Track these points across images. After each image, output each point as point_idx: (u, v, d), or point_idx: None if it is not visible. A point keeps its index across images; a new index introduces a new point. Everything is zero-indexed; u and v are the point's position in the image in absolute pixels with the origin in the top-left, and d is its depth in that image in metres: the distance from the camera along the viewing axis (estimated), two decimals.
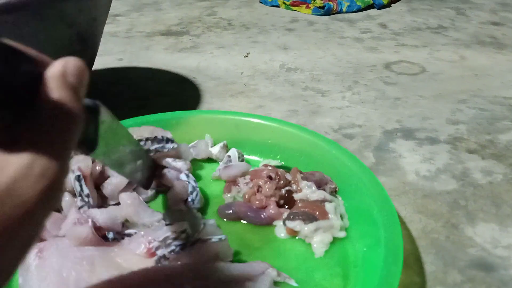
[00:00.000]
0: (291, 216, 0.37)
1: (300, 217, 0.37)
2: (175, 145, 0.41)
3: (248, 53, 0.77)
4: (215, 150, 0.45)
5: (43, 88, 0.17)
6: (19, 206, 0.15)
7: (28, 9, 0.39)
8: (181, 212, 0.36)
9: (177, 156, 0.42)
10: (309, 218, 0.37)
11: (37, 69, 0.17)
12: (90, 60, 0.53)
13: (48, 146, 0.16)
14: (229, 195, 0.41)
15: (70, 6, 0.43)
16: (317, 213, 0.37)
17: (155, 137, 0.40)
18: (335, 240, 0.36)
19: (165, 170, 0.41)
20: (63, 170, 0.17)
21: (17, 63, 0.16)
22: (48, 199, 0.16)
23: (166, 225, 0.35)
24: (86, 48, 0.50)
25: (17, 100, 0.16)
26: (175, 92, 0.63)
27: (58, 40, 0.45)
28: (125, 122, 0.45)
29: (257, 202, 0.39)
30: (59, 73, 0.17)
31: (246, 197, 0.40)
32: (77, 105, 0.18)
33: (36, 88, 0.17)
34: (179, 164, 0.41)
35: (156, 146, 0.40)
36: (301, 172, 0.41)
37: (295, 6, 1.02)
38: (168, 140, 0.41)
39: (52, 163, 0.16)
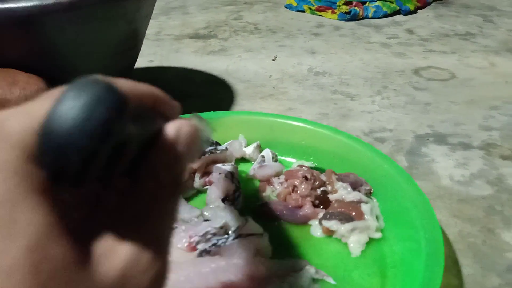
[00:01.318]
0: (328, 216, 0.37)
1: (337, 217, 0.37)
2: (227, 145, 0.43)
3: (276, 57, 0.78)
4: (248, 150, 0.46)
5: (155, 155, 0.16)
6: None
7: (97, 6, 0.41)
8: (219, 209, 0.37)
9: (225, 160, 0.43)
10: (345, 218, 0.37)
11: (156, 127, 0.16)
12: (136, 56, 0.55)
13: (156, 226, 0.15)
14: (264, 194, 0.42)
15: (132, 4, 0.45)
16: (353, 213, 0.37)
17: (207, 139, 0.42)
18: (371, 240, 0.36)
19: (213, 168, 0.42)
20: (167, 255, 0.16)
21: (144, 131, 0.15)
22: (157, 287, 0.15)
23: (205, 220, 0.36)
24: (136, 44, 0.53)
25: (131, 164, 0.15)
26: (207, 94, 0.64)
27: (118, 36, 0.47)
28: None
29: (293, 201, 0.39)
30: (172, 139, 0.16)
31: (282, 196, 0.41)
32: (181, 180, 0.17)
33: (148, 149, 0.16)
34: (228, 167, 0.42)
35: (209, 148, 0.42)
36: (335, 174, 0.42)
37: (320, 11, 1.02)
38: (216, 143, 0.42)
39: (161, 246, 0.15)
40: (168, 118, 0.17)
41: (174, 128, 0.17)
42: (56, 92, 0.13)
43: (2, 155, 0.12)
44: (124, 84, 0.15)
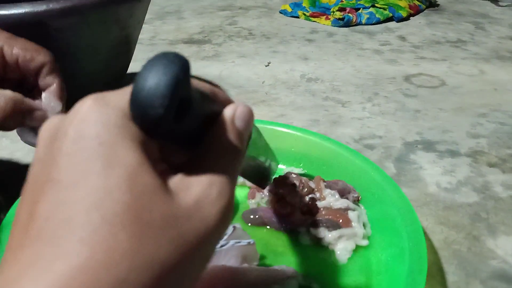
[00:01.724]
0: (315, 223, 0.38)
1: (324, 224, 0.38)
2: None
3: (269, 63, 0.78)
4: None
5: (216, 127, 0.20)
6: (203, 221, 0.17)
7: (89, 12, 0.42)
8: None
9: None
10: (333, 225, 0.38)
11: (217, 109, 0.20)
12: (128, 61, 0.56)
13: (220, 172, 0.19)
14: (253, 201, 0.42)
15: (124, 10, 0.45)
16: (341, 221, 0.38)
17: None
18: (358, 248, 0.37)
19: None
20: (234, 195, 0.19)
21: (204, 105, 0.19)
22: (225, 218, 0.18)
23: None
24: (129, 49, 0.53)
25: (200, 132, 0.19)
26: None
27: (110, 41, 0.47)
28: None
29: (282, 208, 0.40)
30: (230, 117, 0.20)
31: (271, 203, 0.41)
32: (241, 147, 0.20)
33: (210, 125, 0.20)
34: None
35: None
36: (324, 181, 0.42)
37: (314, 17, 1.03)
38: None
39: (227, 186, 0.18)
40: (225, 105, 0.21)
41: (231, 107, 0.21)
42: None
43: (107, 115, 0.16)
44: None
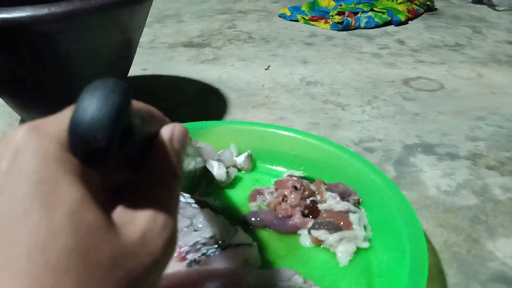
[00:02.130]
0: (316, 226, 0.38)
1: (325, 226, 0.38)
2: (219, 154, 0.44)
3: (269, 66, 0.79)
4: (240, 160, 0.47)
5: (156, 150, 0.20)
6: (149, 255, 0.17)
7: (90, 16, 0.42)
8: (209, 219, 0.38)
9: None
10: (334, 228, 0.38)
11: (155, 129, 0.20)
12: (129, 64, 0.56)
13: (163, 202, 0.18)
14: (254, 203, 0.42)
15: (124, 15, 0.45)
16: (342, 223, 0.38)
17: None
18: (358, 250, 0.37)
19: None
20: (177, 222, 0.19)
21: (144, 128, 0.19)
22: (170, 249, 0.18)
23: (195, 230, 0.37)
24: (130, 53, 0.53)
25: (140, 154, 0.19)
26: (199, 103, 0.65)
27: (111, 45, 0.47)
28: None
29: (283, 211, 0.40)
30: (168, 139, 0.20)
31: (272, 206, 0.41)
32: (180, 168, 0.20)
33: (149, 147, 0.19)
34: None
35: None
36: (324, 183, 0.42)
37: (313, 21, 1.04)
38: None
39: (170, 215, 0.18)
40: (162, 125, 0.21)
41: (168, 128, 0.20)
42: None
43: (44, 147, 0.15)
44: None
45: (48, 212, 0.14)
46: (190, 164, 0.30)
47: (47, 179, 0.15)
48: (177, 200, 0.20)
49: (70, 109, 0.16)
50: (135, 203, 0.18)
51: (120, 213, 0.17)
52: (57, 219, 0.14)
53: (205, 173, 0.36)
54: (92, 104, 0.15)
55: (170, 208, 0.18)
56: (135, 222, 0.17)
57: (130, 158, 0.18)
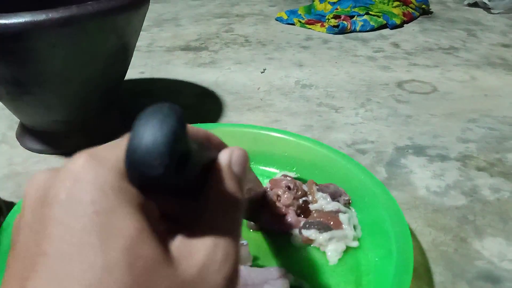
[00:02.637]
0: (307, 225, 0.39)
1: (316, 226, 0.39)
2: None
3: (264, 69, 0.80)
4: None
5: (214, 176, 0.19)
6: None
7: (87, 21, 0.43)
8: None
9: None
10: (324, 227, 0.39)
11: (213, 155, 0.19)
12: (126, 68, 0.57)
13: (224, 231, 0.17)
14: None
15: (121, 20, 0.46)
16: (332, 223, 0.39)
17: None
18: (348, 249, 0.38)
19: None
20: (238, 253, 0.18)
21: (201, 154, 0.18)
22: (232, 283, 0.17)
23: None
24: (126, 57, 0.54)
25: (198, 182, 0.18)
26: (195, 105, 0.66)
27: (108, 49, 0.48)
28: None
29: (277, 210, 0.41)
30: (227, 164, 0.19)
31: (265, 205, 0.42)
32: (241, 195, 0.19)
33: (207, 173, 0.19)
34: None
35: None
36: (316, 184, 0.43)
37: (310, 24, 1.05)
38: None
39: (231, 245, 0.17)
40: (220, 150, 0.20)
41: (227, 152, 0.20)
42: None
43: (102, 176, 0.15)
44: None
45: (104, 247, 0.14)
46: (251, 189, 0.29)
47: (104, 210, 0.15)
48: (238, 230, 0.19)
49: (127, 135, 0.16)
50: (193, 234, 0.17)
51: (178, 245, 0.16)
52: (113, 254, 0.14)
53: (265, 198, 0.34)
54: (147, 131, 0.15)
55: (231, 239, 0.17)
56: (194, 255, 0.16)
57: (188, 185, 0.17)
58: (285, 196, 0.41)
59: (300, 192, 0.42)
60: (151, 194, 0.16)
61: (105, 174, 0.15)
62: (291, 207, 0.41)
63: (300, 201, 0.42)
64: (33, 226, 0.15)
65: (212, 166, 0.19)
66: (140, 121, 0.15)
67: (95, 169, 0.15)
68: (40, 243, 0.15)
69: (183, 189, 0.17)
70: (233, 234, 0.18)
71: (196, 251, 0.16)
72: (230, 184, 0.19)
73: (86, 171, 0.15)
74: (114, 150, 0.16)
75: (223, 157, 0.19)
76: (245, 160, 0.20)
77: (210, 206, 0.18)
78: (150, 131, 0.15)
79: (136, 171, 0.15)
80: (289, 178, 0.43)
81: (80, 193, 0.15)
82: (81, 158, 0.16)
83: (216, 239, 0.17)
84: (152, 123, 0.15)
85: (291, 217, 0.40)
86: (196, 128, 0.19)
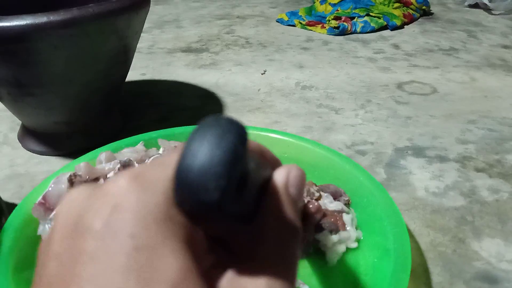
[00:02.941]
0: (319, 226, 0.39)
1: (328, 227, 0.39)
2: None
3: (265, 71, 0.80)
4: None
5: (271, 199, 0.16)
6: None
7: (88, 23, 0.43)
8: None
9: None
10: (334, 229, 0.39)
11: (269, 173, 0.17)
12: (127, 70, 0.58)
13: (279, 266, 0.15)
14: None
15: (122, 22, 0.47)
16: (339, 223, 0.39)
17: None
18: (347, 249, 0.38)
19: None
20: None
21: (258, 174, 0.16)
22: None
23: None
24: (127, 59, 0.55)
25: (254, 206, 0.16)
26: (196, 107, 0.66)
27: (109, 51, 0.49)
28: (150, 134, 0.48)
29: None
30: (284, 185, 0.17)
31: None
32: (298, 220, 0.17)
33: (262, 195, 0.16)
34: None
35: None
36: (316, 185, 0.44)
37: (310, 26, 1.05)
38: None
39: (287, 285, 0.15)
40: (274, 167, 0.18)
41: (284, 172, 0.17)
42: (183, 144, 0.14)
43: (145, 203, 0.13)
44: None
45: None
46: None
47: (145, 246, 0.12)
48: (296, 262, 0.16)
49: (178, 152, 0.14)
50: (244, 271, 0.15)
51: (228, 283, 0.14)
52: None
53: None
54: (203, 147, 0.13)
55: (288, 274, 0.15)
56: None
57: (243, 210, 0.15)
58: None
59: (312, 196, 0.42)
60: (202, 223, 0.14)
61: (149, 200, 0.13)
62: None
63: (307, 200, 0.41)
64: (62, 259, 0.13)
65: (267, 186, 0.17)
66: (195, 135, 0.13)
67: (138, 193, 0.13)
68: (68, 282, 0.13)
69: (238, 215, 0.15)
70: (290, 271, 0.15)
71: None
72: (288, 210, 0.16)
73: (127, 196, 0.13)
74: (162, 170, 0.14)
75: (280, 177, 0.17)
76: (304, 182, 0.18)
77: (266, 235, 0.16)
78: (207, 147, 0.13)
79: (187, 195, 0.13)
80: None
81: (119, 223, 0.13)
82: (123, 179, 0.14)
83: (271, 279, 0.14)
84: (209, 138, 0.13)
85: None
86: (250, 142, 0.16)
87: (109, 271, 0.12)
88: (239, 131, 0.13)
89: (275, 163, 0.19)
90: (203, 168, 0.12)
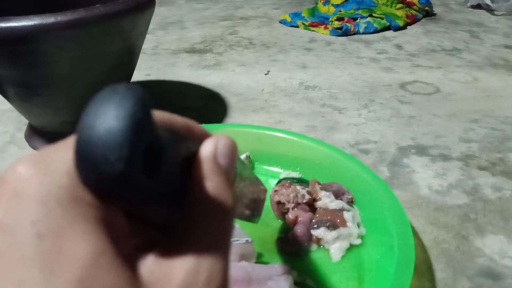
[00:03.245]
0: (315, 225, 0.39)
1: (325, 224, 0.39)
2: None
3: (268, 71, 0.81)
4: None
5: (196, 173, 0.15)
6: None
7: (94, 24, 0.44)
8: None
9: None
10: (332, 225, 0.39)
11: (194, 148, 0.16)
12: (132, 70, 0.58)
13: (209, 245, 0.14)
14: None
15: (127, 23, 0.47)
16: (338, 221, 0.40)
17: None
18: (351, 246, 0.38)
19: None
20: (227, 272, 0.15)
21: (179, 147, 0.15)
22: None
23: None
24: (132, 60, 0.55)
25: (176, 183, 0.14)
26: (200, 107, 0.67)
27: (114, 52, 0.49)
28: None
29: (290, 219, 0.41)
30: (211, 155, 0.16)
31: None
32: (231, 193, 0.15)
33: (188, 173, 0.15)
34: None
35: None
36: (319, 183, 0.44)
37: (313, 26, 1.06)
38: None
39: (217, 265, 0.14)
40: (202, 140, 0.17)
41: (211, 143, 0.16)
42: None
43: (48, 186, 0.12)
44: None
45: (51, 281, 0.11)
46: (244, 187, 0.23)
47: (50, 232, 0.11)
48: (227, 242, 0.15)
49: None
50: (171, 251, 0.14)
51: (150, 267, 0.13)
52: None
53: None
54: (99, 118, 0.12)
55: (217, 255, 0.14)
56: (170, 277, 0.13)
57: (164, 188, 0.14)
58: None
59: (300, 196, 0.42)
60: (111, 201, 0.13)
61: (52, 183, 0.12)
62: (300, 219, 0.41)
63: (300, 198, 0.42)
64: None
65: (192, 161, 0.15)
66: (90, 107, 0.12)
67: (39, 178, 0.12)
68: None
69: (159, 193, 0.14)
70: (220, 247, 0.14)
71: (173, 273, 0.13)
72: (216, 182, 0.15)
73: (27, 182, 0.12)
74: (64, 150, 0.13)
75: (206, 148, 0.16)
76: (234, 150, 0.17)
77: (195, 215, 0.14)
78: (103, 118, 0.12)
79: (90, 171, 0.12)
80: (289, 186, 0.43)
81: (20, 212, 0.12)
82: (22, 165, 0.12)
83: (199, 256, 0.14)
84: (106, 107, 0.12)
85: (300, 228, 0.40)
86: (172, 115, 0.16)
87: (11, 264, 0.11)
88: (140, 97, 0.12)
89: (205, 137, 0.17)
90: (101, 139, 0.11)
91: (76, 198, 0.12)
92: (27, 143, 0.57)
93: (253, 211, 0.26)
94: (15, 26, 0.42)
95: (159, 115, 0.14)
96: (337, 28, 1.01)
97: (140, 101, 0.12)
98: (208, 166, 0.15)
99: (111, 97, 0.12)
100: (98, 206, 0.13)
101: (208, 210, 0.15)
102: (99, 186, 0.12)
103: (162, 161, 0.13)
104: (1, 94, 0.51)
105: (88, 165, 0.12)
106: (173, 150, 0.14)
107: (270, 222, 0.42)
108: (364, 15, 1.06)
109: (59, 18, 0.42)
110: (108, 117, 0.12)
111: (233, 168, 0.17)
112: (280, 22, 1.12)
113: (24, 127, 0.61)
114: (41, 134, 0.56)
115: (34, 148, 0.56)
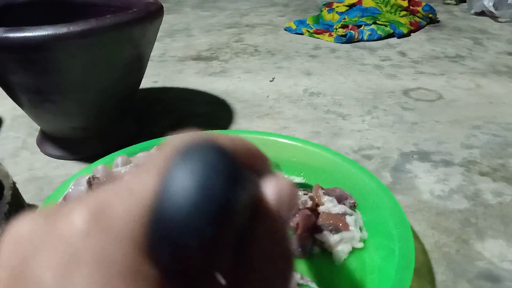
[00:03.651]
0: (319, 229, 0.40)
1: (327, 228, 0.40)
2: None
3: (273, 78, 0.82)
4: None
5: (262, 224, 0.13)
6: None
7: (106, 34, 0.46)
8: None
9: None
10: (335, 229, 0.40)
11: (257, 190, 0.14)
12: (141, 77, 0.60)
13: None
14: None
15: (137, 31, 0.49)
16: (340, 225, 0.41)
17: None
18: (353, 249, 0.39)
19: None
20: None
21: (248, 195, 0.13)
22: None
23: None
24: (141, 67, 0.57)
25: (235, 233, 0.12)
26: (206, 113, 0.68)
27: (124, 59, 0.51)
28: (164, 139, 0.50)
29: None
30: (276, 203, 0.14)
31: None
32: (290, 242, 0.14)
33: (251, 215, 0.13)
34: None
35: None
36: (322, 188, 0.45)
37: (318, 34, 1.07)
38: None
39: None
40: (261, 174, 0.15)
41: (274, 191, 0.14)
42: (159, 159, 0.11)
43: (106, 253, 0.10)
44: (225, 141, 0.13)
45: None
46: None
47: None
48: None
49: (151, 170, 0.11)
50: None
51: None
52: None
53: None
54: (188, 189, 0.10)
55: None
56: None
57: (228, 245, 0.12)
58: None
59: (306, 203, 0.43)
60: (178, 280, 0.11)
61: (113, 248, 0.10)
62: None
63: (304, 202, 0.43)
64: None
65: (256, 206, 0.14)
66: (176, 169, 0.10)
67: (99, 240, 0.10)
68: None
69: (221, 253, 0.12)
70: None
71: None
72: (281, 232, 0.14)
73: (85, 243, 0.10)
74: (130, 202, 0.11)
75: (271, 195, 0.14)
76: (293, 197, 0.15)
77: (257, 267, 0.13)
78: (192, 193, 0.10)
79: (163, 248, 0.10)
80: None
81: (74, 279, 0.10)
82: (80, 217, 0.11)
83: None
84: (194, 177, 0.10)
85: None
86: (239, 150, 0.13)
87: None
88: (234, 172, 0.10)
89: (263, 170, 0.15)
90: (188, 223, 0.10)
91: (136, 269, 0.11)
92: (38, 149, 0.59)
93: None
94: (30, 36, 0.43)
95: (231, 150, 0.12)
96: (342, 36, 1.03)
97: (232, 180, 0.10)
98: (274, 215, 0.14)
99: (197, 165, 0.10)
100: (155, 279, 0.11)
101: (275, 262, 0.13)
102: (172, 266, 0.11)
103: (234, 219, 0.11)
104: (14, 101, 0.53)
105: (164, 244, 0.10)
106: (245, 208, 0.12)
107: None
108: (368, 22, 1.07)
109: (71, 28, 0.44)
110: (197, 194, 0.10)
111: (291, 215, 0.15)
112: (285, 30, 1.14)
113: (36, 133, 0.62)
114: (52, 139, 0.58)
115: (46, 153, 0.58)
